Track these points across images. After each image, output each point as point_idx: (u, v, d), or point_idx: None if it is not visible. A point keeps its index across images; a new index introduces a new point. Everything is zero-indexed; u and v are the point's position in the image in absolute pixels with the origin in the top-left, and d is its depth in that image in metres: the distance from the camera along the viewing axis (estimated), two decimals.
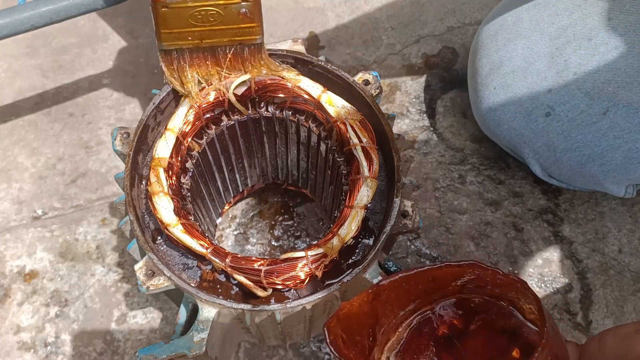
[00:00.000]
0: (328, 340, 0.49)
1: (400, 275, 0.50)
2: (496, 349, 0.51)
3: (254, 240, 0.90)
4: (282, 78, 0.68)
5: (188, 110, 0.67)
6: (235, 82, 0.68)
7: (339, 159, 0.69)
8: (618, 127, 0.78)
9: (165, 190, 0.63)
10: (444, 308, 0.53)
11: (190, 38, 0.64)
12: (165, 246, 0.64)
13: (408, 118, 1.01)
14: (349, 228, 0.62)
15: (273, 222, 0.91)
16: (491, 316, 0.51)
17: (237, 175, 0.84)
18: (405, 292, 0.52)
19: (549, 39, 0.83)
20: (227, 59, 0.66)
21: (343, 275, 0.60)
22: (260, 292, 0.60)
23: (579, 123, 0.79)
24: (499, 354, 0.51)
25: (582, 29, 0.80)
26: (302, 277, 0.60)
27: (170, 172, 0.65)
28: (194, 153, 0.70)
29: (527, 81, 0.83)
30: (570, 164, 0.82)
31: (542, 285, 0.87)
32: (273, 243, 0.90)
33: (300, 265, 0.60)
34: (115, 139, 0.66)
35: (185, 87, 0.67)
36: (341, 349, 0.49)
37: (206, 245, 0.61)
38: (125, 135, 0.66)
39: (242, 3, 0.62)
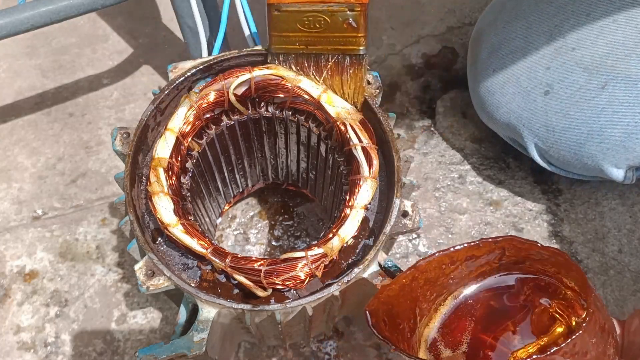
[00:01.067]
0: (370, 323, 0.48)
1: (437, 254, 0.49)
2: (540, 324, 0.50)
3: (254, 240, 0.90)
4: (282, 78, 0.68)
5: (188, 110, 0.67)
6: (235, 82, 0.68)
7: (339, 159, 0.69)
8: (617, 100, 0.78)
9: (165, 190, 0.63)
10: (483, 288, 0.52)
11: (297, 43, 0.66)
12: (165, 246, 0.64)
13: (408, 118, 1.01)
14: (349, 228, 0.62)
15: (273, 222, 0.91)
16: (532, 290, 0.50)
17: (237, 175, 0.84)
18: (443, 272, 0.51)
19: (547, 17, 0.83)
20: (328, 67, 0.66)
21: (343, 275, 0.60)
22: (260, 292, 0.60)
23: (577, 99, 0.80)
24: (543, 329, 0.49)
25: (580, 5, 0.81)
26: (302, 277, 0.60)
27: (170, 172, 0.65)
28: (194, 153, 0.70)
29: (525, 61, 0.84)
30: (569, 144, 0.82)
31: None
32: (273, 243, 0.90)
33: (300, 265, 0.60)
34: (115, 139, 0.66)
35: None
36: (384, 331, 0.48)
37: (206, 245, 0.61)
38: (125, 135, 0.66)
39: (348, 12, 0.63)
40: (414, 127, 1.00)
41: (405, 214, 0.63)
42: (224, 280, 0.62)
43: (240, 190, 0.88)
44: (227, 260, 0.60)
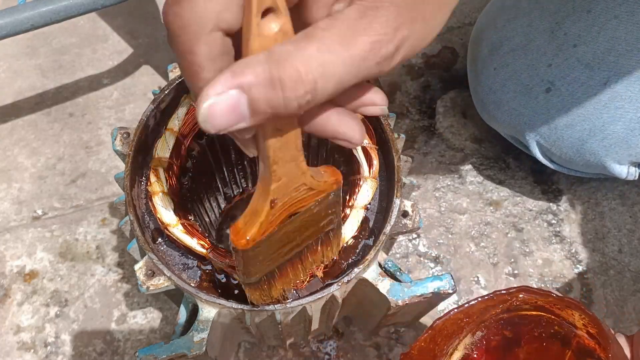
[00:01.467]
0: None
1: (451, 313, 0.50)
2: (549, 355, 0.50)
3: None
4: None
5: (188, 110, 0.67)
6: None
7: (339, 159, 0.69)
8: (619, 96, 0.77)
9: (165, 190, 0.63)
10: (493, 325, 0.52)
11: (282, 257, 0.51)
12: (165, 246, 0.64)
13: (408, 118, 1.01)
14: (349, 228, 0.62)
15: None
16: (540, 323, 0.51)
17: (237, 176, 0.84)
18: (458, 326, 0.51)
19: (548, 14, 0.83)
20: (317, 253, 0.54)
21: (343, 275, 0.60)
22: None
23: (579, 96, 0.79)
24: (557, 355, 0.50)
25: (581, 2, 0.80)
26: None
27: (170, 172, 0.65)
28: (194, 153, 0.70)
29: (527, 58, 0.83)
30: (572, 141, 0.81)
31: (542, 285, 0.87)
32: None
33: None
34: (115, 139, 0.66)
35: (274, 296, 0.56)
36: None
37: (206, 245, 0.61)
38: (125, 135, 0.66)
39: (331, 196, 0.48)
40: (414, 127, 1.00)
41: (405, 214, 0.63)
42: (224, 280, 0.62)
43: (240, 190, 0.88)
44: (227, 260, 0.60)
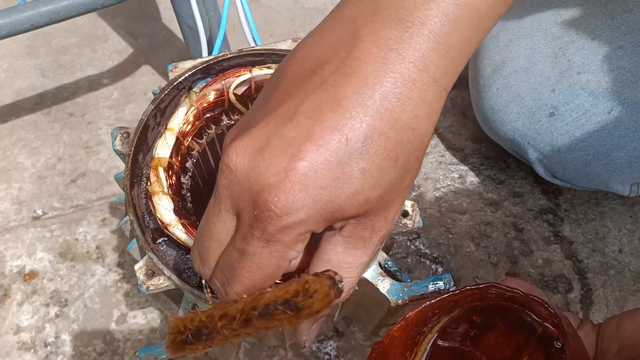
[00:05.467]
0: None
1: (424, 305, 0.53)
2: (515, 341, 0.52)
3: None
4: None
5: (188, 110, 0.67)
6: (235, 82, 0.68)
7: None
8: (623, 126, 0.77)
9: (165, 190, 0.63)
10: (463, 312, 0.54)
11: None
12: (165, 246, 0.64)
13: None
14: None
15: None
16: (508, 312, 0.52)
17: None
18: (430, 316, 0.54)
19: (551, 39, 0.83)
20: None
21: None
22: None
23: (583, 123, 0.79)
24: (518, 347, 0.51)
25: (585, 29, 0.80)
26: None
27: (170, 172, 0.65)
28: (194, 153, 0.70)
29: (530, 81, 0.83)
30: (575, 164, 0.81)
31: (542, 285, 0.87)
32: None
33: None
34: (115, 139, 0.66)
35: None
36: None
37: None
38: (125, 135, 0.66)
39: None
40: None
41: (405, 214, 0.63)
42: None
43: None
44: None
